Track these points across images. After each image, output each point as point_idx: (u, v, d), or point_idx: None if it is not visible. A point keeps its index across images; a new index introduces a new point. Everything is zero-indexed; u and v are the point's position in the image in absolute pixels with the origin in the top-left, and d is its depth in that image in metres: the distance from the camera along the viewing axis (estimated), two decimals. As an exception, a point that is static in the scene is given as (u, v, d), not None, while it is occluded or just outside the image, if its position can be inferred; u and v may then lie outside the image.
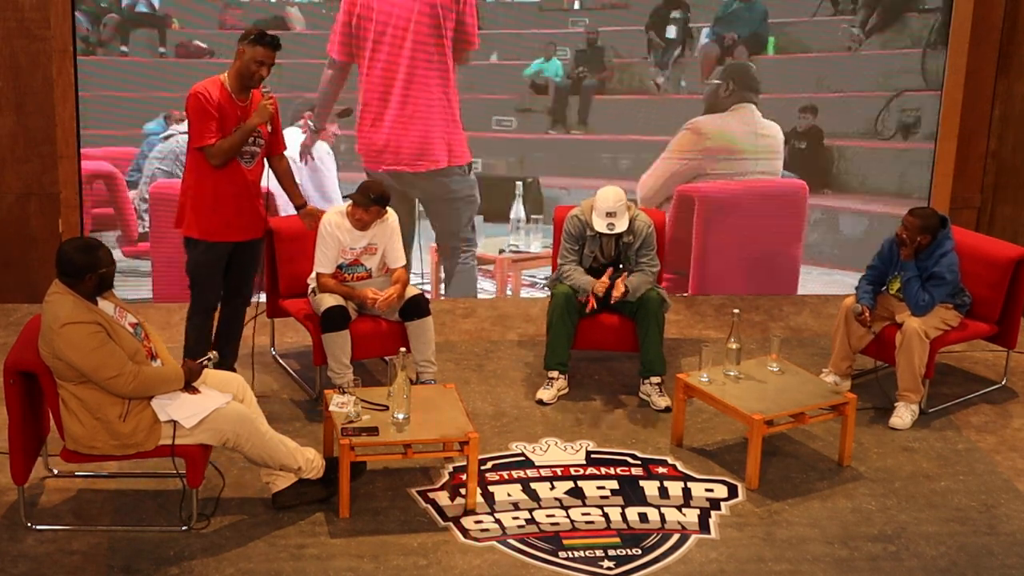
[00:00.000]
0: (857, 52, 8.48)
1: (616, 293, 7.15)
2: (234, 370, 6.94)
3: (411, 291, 7.17)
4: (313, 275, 7.18)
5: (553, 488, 6.53)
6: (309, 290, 7.27)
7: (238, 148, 6.73)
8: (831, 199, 8.82)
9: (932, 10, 8.45)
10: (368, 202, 6.99)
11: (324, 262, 7.13)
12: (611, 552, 6.05)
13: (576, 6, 8.52)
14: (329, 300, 7.02)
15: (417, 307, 7.12)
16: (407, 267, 7.34)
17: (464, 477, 6.35)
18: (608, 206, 7.16)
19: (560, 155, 8.66)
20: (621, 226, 7.15)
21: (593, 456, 6.83)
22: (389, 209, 7.18)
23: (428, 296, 7.28)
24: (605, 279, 7.20)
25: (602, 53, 8.52)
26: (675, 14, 8.43)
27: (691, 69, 8.60)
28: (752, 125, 8.69)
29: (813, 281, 8.93)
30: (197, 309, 6.95)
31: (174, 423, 5.87)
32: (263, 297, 7.56)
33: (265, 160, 6.94)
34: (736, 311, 6.90)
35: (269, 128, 6.86)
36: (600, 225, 7.16)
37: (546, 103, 8.61)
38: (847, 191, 8.70)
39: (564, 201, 8.56)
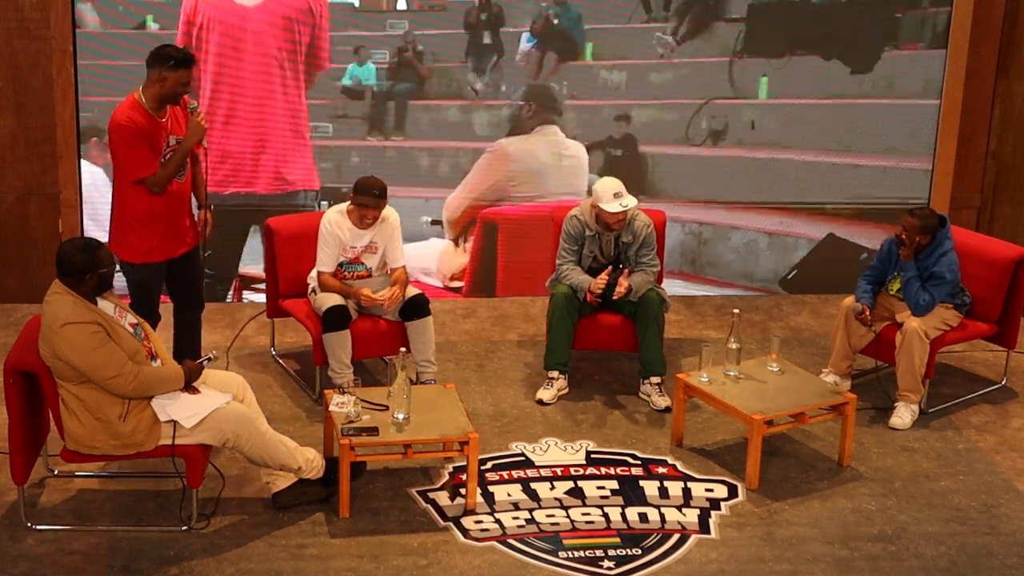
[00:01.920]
0: (669, 59, 8.44)
1: (620, 289, 7.15)
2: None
3: (411, 291, 7.17)
4: (313, 274, 7.19)
5: (553, 488, 6.53)
6: (309, 290, 7.28)
7: (177, 172, 6.63)
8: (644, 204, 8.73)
9: (739, 19, 8.44)
10: (375, 200, 6.99)
11: (325, 261, 7.13)
12: (611, 552, 6.05)
13: (402, 5, 8.28)
14: (330, 300, 7.02)
15: (417, 307, 7.12)
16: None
17: (464, 477, 6.35)
18: (614, 187, 7.15)
19: (377, 162, 8.43)
20: (631, 201, 7.16)
21: (593, 456, 6.83)
22: (391, 209, 7.19)
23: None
24: (604, 276, 7.20)
25: (421, 57, 8.36)
26: (483, 16, 8.31)
27: (511, 75, 8.43)
28: (556, 146, 8.58)
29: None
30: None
31: (174, 423, 5.87)
32: (262, 297, 7.56)
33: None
34: (736, 311, 6.90)
35: (206, 145, 6.77)
36: (614, 207, 7.12)
37: (363, 109, 8.39)
38: (662, 198, 8.64)
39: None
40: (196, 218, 6.92)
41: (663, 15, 8.44)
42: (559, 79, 8.48)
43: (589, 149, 8.62)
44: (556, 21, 8.40)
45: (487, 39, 8.39)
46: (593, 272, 7.31)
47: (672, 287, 8.41)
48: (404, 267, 7.21)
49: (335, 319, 6.98)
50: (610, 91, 8.49)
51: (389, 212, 7.19)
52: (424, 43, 8.37)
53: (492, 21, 8.39)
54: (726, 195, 8.71)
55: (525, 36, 8.42)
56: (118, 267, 6.48)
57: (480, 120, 8.51)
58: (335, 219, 7.11)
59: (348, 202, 7.13)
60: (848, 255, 8.81)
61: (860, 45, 8.55)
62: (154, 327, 6.59)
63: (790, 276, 8.86)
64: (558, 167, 8.63)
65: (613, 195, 7.13)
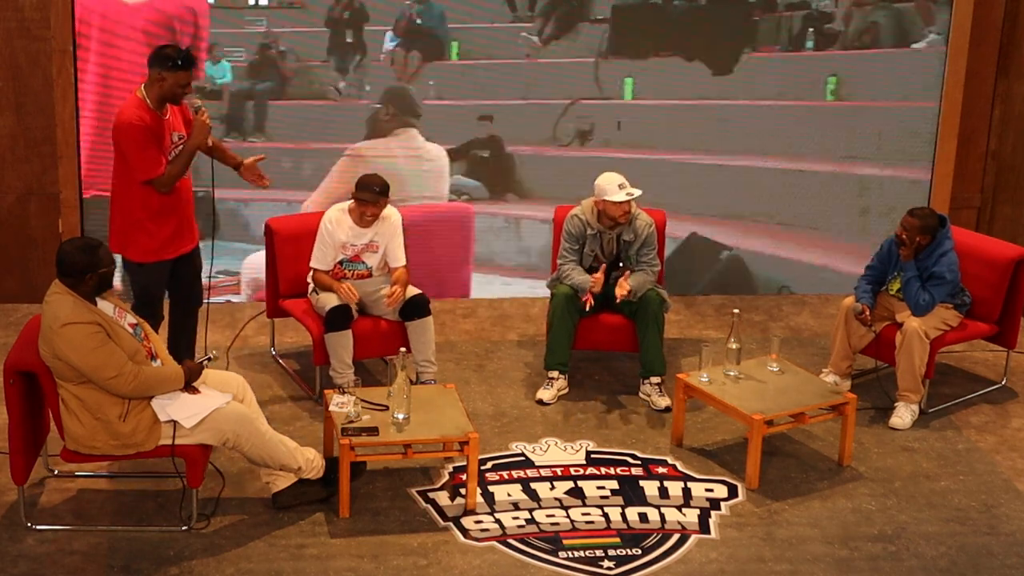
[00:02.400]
0: (535, 60, 8.34)
1: (621, 292, 7.14)
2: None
3: (411, 291, 7.17)
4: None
5: (553, 488, 6.53)
6: (310, 289, 7.28)
7: (184, 172, 6.63)
8: (514, 207, 8.67)
9: (603, 20, 8.39)
10: (374, 197, 7.00)
11: (321, 259, 7.14)
12: (611, 552, 6.05)
13: (253, 1, 8.08)
14: (333, 299, 7.03)
15: (417, 307, 7.12)
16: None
17: (464, 477, 6.35)
18: (617, 179, 7.16)
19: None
20: (637, 191, 7.17)
21: (593, 456, 6.83)
22: (392, 208, 7.20)
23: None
24: (600, 274, 7.20)
25: (284, 56, 8.20)
26: (346, 14, 8.14)
27: (377, 75, 8.32)
28: (415, 150, 8.49)
29: (491, 289, 8.76)
30: (151, 326, 6.66)
31: (174, 423, 5.87)
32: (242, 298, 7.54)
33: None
34: (736, 311, 6.90)
35: (211, 142, 6.74)
36: (621, 196, 7.12)
37: (219, 109, 8.18)
38: (529, 198, 8.59)
39: (242, 214, 8.37)
40: (243, 171, 6.91)
41: (528, 15, 8.36)
42: (424, 79, 8.34)
43: (455, 151, 8.50)
44: (419, 20, 8.28)
45: (349, 38, 8.23)
46: (593, 272, 7.31)
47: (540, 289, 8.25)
48: (405, 266, 7.21)
49: (337, 319, 6.99)
50: (477, 91, 8.40)
51: (390, 211, 7.19)
52: (284, 41, 8.18)
53: (355, 19, 8.21)
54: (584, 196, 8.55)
55: (388, 35, 8.29)
56: (120, 268, 6.51)
57: (341, 121, 8.37)
58: (335, 217, 7.11)
59: (350, 200, 7.14)
60: (711, 253, 8.78)
61: (720, 47, 8.51)
62: (156, 328, 6.59)
63: None
64: (417, 171, 8.50)
65: (618, 186, 7.14)
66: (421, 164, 8.53)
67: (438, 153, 8.54)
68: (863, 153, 8.74)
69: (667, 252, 8.18)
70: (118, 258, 6.56)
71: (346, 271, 7.19)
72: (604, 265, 7.26)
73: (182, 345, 6.96)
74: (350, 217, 7.11)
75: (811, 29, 8.54)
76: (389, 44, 8.32)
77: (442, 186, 8.57)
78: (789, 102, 8.65)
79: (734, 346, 6.84)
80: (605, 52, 8.49)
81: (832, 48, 8.58)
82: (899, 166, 8.75)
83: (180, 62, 6.47)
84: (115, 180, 6.67)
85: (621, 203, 7.14)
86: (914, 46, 8.60)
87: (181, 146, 6.63)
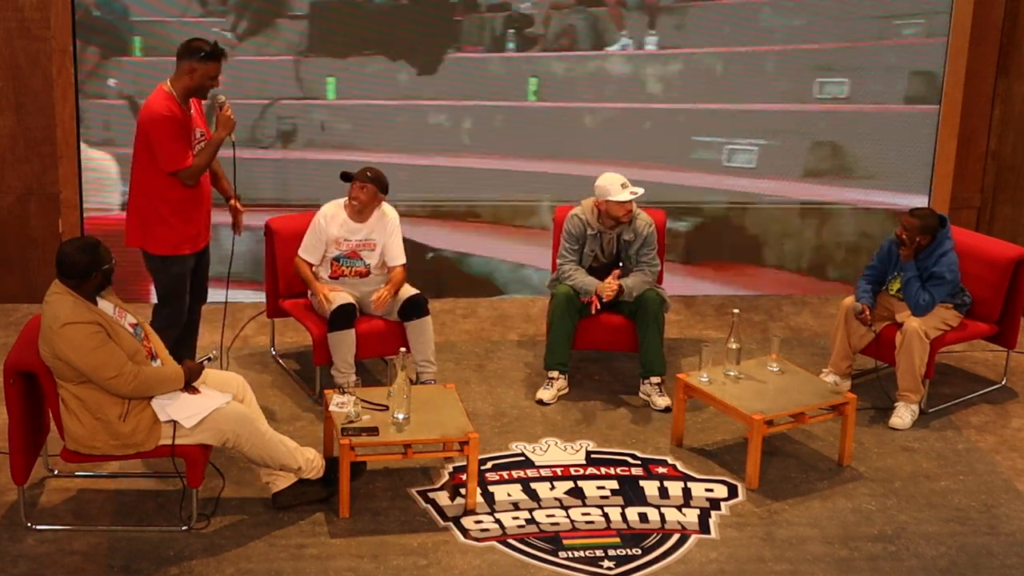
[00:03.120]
0: (233, 57, 7.69)
1: (610, 292, 7.15)
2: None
3: (410, 291, 7.17)
4: (322, 274, 7.22)
5: (553, 488, 6.53)
6: (310, 292, 7.29)
7: (209, 164, 6.67)
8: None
9: (302, 16, 8.17)
10: (362, 175, 7.05)
11: (308, 249, 7.20)
12: (611, 552, 6.05)
13: None
14: (339, 298, 7.03)
15: (416, 307, 7.12)
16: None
17: (464, 477, 6.35)
18: (619, 179, 7.17)
19: None
20: (639, 189, 7.18)
21: (593, 456, 6.83)
22: (388, 206, 7.21)
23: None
24: (611, 280, 7.19)
25: None
26: None
27: None
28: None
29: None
30: (174, 323, 6.76)
31: (174, 423, 5.87)
32: (262, 297, 7.54)
33: None
34: (736, 311, 6.90)
35: (234, 137, 6.72)
36: (625, 195, 7.13)
37: None
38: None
39: None
40: (230, 206, 6.94)
41: (220, 9, 8.10)
42: (103, 76, 8.06)
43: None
44: (97, 13, 8.00)
45: None
46: (592, 271, 7.31)
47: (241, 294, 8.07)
48: (404, 266, 7.22)
49: (342, 318, 6.99)
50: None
51: (388, 210, 7.21)
52: None
53: None
54: (300, 198, 8.32)
55: None
56: (147, 265, 6.55)
57: None
58: (329, 211, 7.16)
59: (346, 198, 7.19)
60: (417, 254, 8.46)
61: (424, 47, 8.36)
62: (180, 326, 6.67)
63: None
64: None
65: (621, 186, 7.15)
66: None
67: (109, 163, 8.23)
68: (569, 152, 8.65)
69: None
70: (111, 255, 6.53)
71: (344, 268, 7.20)
72: (617, 271, 7.25)
73: (188, 342, 6.97)
74: (345, 212, 7.13)
75: (512, 30, 8.42)
76: None
77: (114, 197, 8.26)
78: (494, 102, 8.49)
79: (734, 346, 6.84)
80: (305, 50, 8.25)
81: (533, 50, 8.45)
82: (598, 161, 8.44)
83: (211, 53, 6.52)
84: (137, 174, 6.68)
85: (625, 203, 7.14)
86: (608, 50, 8.50)
87: (203, 142, 6.67)
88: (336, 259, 7.19)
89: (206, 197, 6.79)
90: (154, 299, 6.88)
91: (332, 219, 7.14)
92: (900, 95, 8.69)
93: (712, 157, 8.74)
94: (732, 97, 8.63)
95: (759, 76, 8.62)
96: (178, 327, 6.78)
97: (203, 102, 6.68)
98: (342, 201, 7.19)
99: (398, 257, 7.23)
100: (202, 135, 6.68)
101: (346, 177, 7.14)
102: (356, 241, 7.16)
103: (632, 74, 8.57)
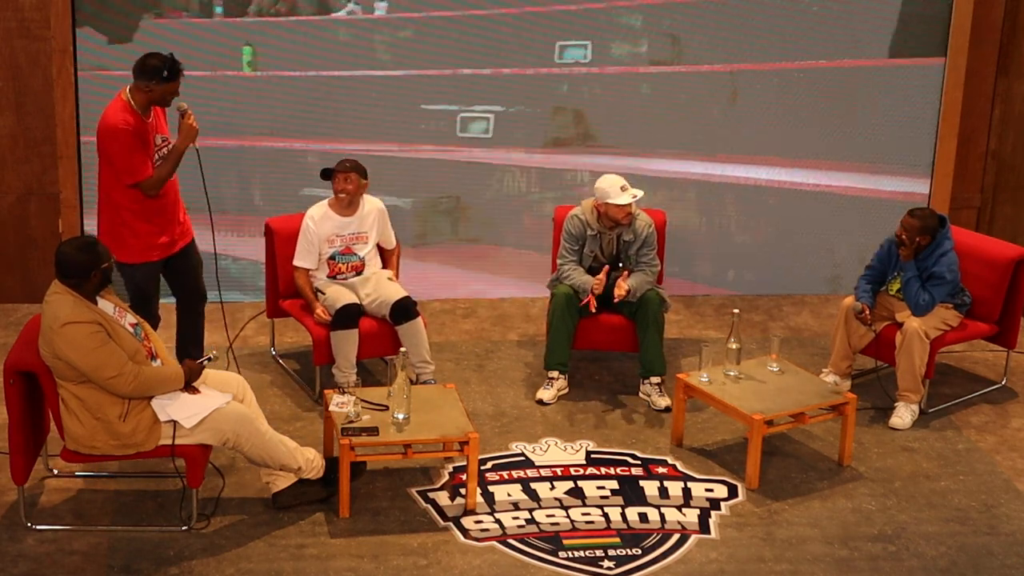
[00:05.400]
0: None
1: (619, 292, 7.15)
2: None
3: (397, 294, 7.16)
4: (321, 276, 7.23)
5: (553, 488, 6.53)
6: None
7: (171, 175, 6.62)
8: None
9: None
10: (344, 166, 7.11)
11: (302, 255, 7.23)
12: (611, 552, 6.05)
13: None
14: (343, 298, 7.05)
15: (405, 311, 7.11)
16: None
17: (464, 477, 6.35)
18: (619, 181, 7.18)
19: None
20: (639, 191, 7.19)
21: (593, 456, 6.83)
22: (374, 199, 7.26)
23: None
24: (602, 277, 7.20)
25: None
26: None
27: None
28: None
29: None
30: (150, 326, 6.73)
31: (174, 423, 5.88)
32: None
33: None
34: (736, 311, 6.90)
35: (198, 144, 6.66)
36: (625, 199, 7.13)
37: None
38: None
39: None
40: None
41: None
42: None
43: None
44: None
45: None
46: (593, 272, 7.31)
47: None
48: (397, 244, 7.40)
49: (347, 317, 7.00)
50: None
51: (373, 202, 7.26)
52: None
53: None
54: None
55: None
56: (118, 271, 6.50)
57: None
58: (316, 213, 7.23)
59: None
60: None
61: (118, 12, 7.84)
62: (154, 329, 6.59)
63: None
64: None
65: (620, 188, 7.15)
66: None
67: None
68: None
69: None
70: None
71: (341, 265, 7.21)
72: (607, 267, 7.26)
73: (190, 342, 6.97)
74: (332, 209, 7.17)
75: None
76: None
77: None
78: (206, 72, 7.85)
79: (734, 346, 6.84)
80: None
81: (246, 15, 7.91)
82: (316, 138, 8.14)
83: (170, 74, 6.44)
84: (101, 184, 6.66)
85: (624, 205, 7.15)
86: (334, 15, 8.04)
87: (165, 148, 6.63)
88: (332, 257, 7.21)
89: (172, 202, 6.75)
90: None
91: (321, 219, 7.17)
92: (646, 58, 8.36)
93: (444, 127, 8.23)
94: (469, 62, 8.15)
95: (495, 41, 8.15)
96: (154, 330, 6.72)
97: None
98: (325, 201, 7.23)
99: (391, 240, 7.38)
100: (163, 141, 6.64)
101: (326, 174, 7.17)
102: (348, 235, 7.19)
103: (360, 40, 8.08)
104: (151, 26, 7.92)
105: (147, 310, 6.72)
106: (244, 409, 6.04)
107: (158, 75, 6.42)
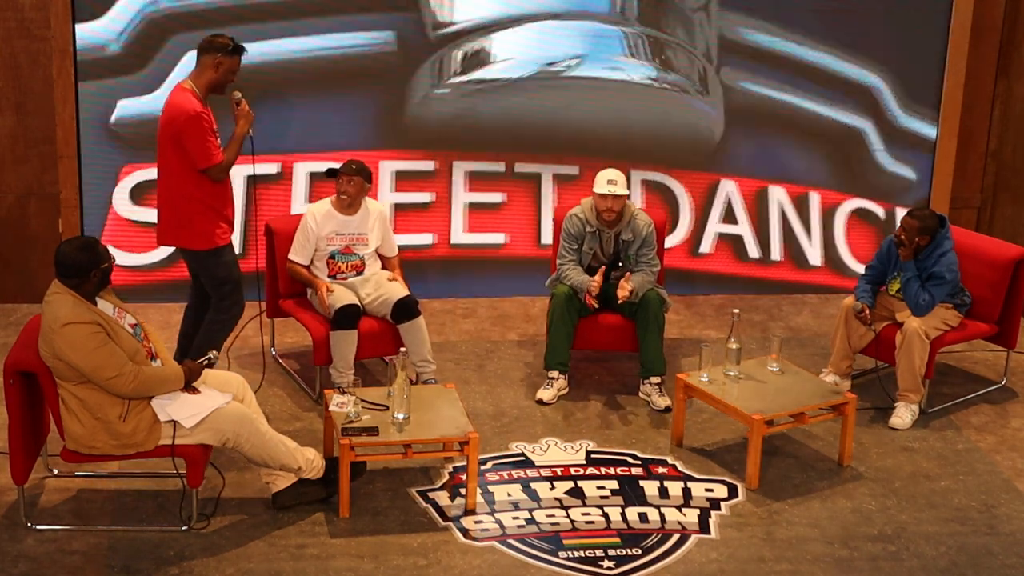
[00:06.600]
0: None
1: (622, 293, 7.15)
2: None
3: (400, 292, 7.17)
4: (322, 276, 7.24)
5: (553, 488, 6.53)
6: (309, 294, 7.31)
7: (236, 159, 6.76)
8: None
9: None
10: (347, 168, 7.12)
11: (298, 250, 7.26)
12: (611, 552, 6.05)
13: None
14: (343, 299, 7.05)
15: (407, 309, 7.12)
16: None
17: (464, 477, 6.35)
18: (609, 175, 7.22)
19: None
20: (620, 190, 7.18)
21: (593, 456, 6.83)
22: (374, 201, 7.28)
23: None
24: (598, 278, 7.20)
25: None
26: None
27: None
28: None
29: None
30: (238, 311, 6.89)
31: (174, 423, 5.88)
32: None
33: None
34: (736, 311, 6.90)
35: (253, 132, 6.80)
36: (603, 189, 7.17)
37: None
38: None
39: None
40: None
41: None
42: None
43: None
44: None
45: None
46: (593, 271, 7.31)
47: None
48: (397, 255, 7.40)
49: (346, 318, 7.00)
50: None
51: (375, 203, 7.28)
52: None
53: None
54: None
55: None
56: (191, 264, 6.70)
57: None
58: (319, 210, 7.25)
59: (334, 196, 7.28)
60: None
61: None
62: (241, 314, 6.81)
63: None
64: None
65: (607, 181, 7.19)
66: None
67: None
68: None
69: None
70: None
71: (340, 264, 7.22)
72: (603, 267, 7.27)
73: (197, 341, 6.99)
74: (334, 207, 7.19)
75: None
76: None
77: None
78: None
79: (734, 346, 6.84)
80: None
81: None
82: None
83: (236, 47, 6.63)
84: (166, 174, 6.73)
85: (604, 196, 7.17)
86: None
87: (220, 138, 6.75)
88: (332, 256, 7.22)
89: (232, 189, 6.89)
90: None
91: (324, 217, 7.19)
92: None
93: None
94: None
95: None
96: (242, 311, 6.90)
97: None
98: (328, 200, 7.24)
99: (393, 248, 7.37)
100: (217, 132, 6.75)
101: (332, 173, 7.20)
102: (349, 235, 7.20)
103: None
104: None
105: (236, 296, 6.83)
106: (244, 409, 6.04)
107: (225, 49, 6.59)
